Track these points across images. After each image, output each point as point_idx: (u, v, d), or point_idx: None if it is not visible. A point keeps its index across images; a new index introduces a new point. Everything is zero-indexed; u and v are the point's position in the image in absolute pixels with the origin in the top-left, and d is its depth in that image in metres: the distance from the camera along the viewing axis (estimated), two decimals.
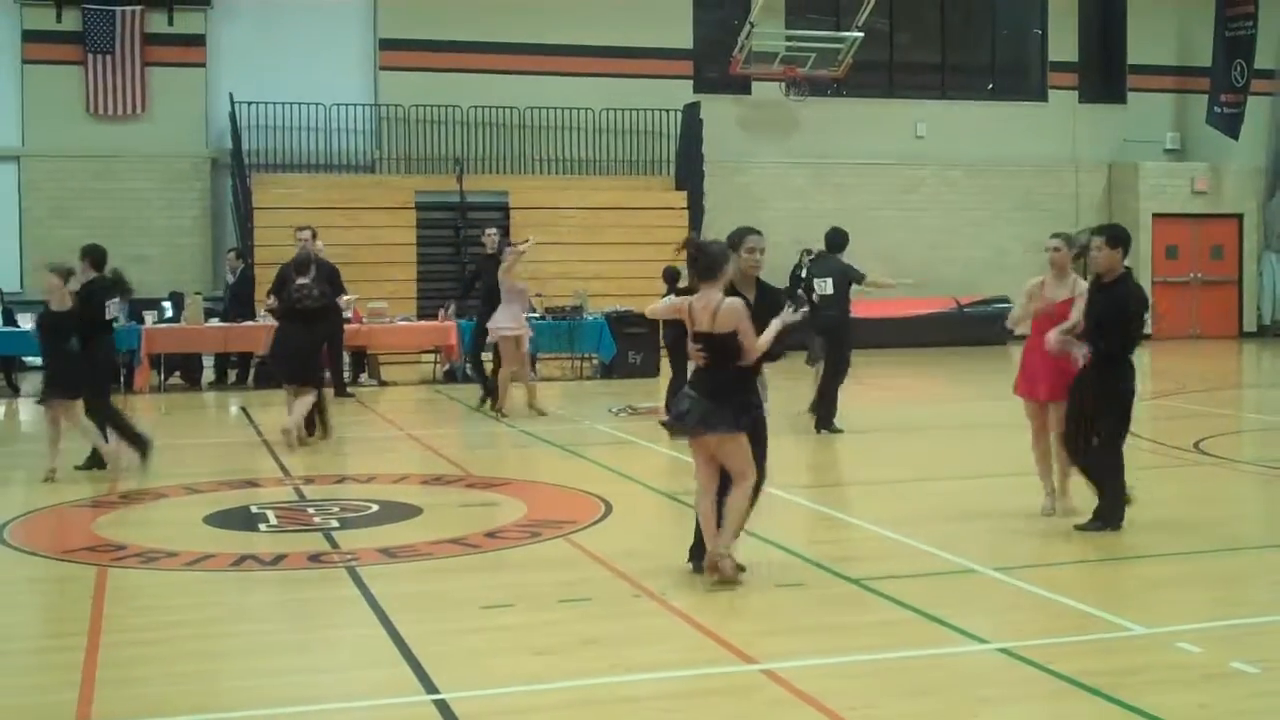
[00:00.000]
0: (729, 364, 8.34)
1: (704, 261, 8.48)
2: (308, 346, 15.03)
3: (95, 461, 13.02)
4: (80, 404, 12.73)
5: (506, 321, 16.79)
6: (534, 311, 20.17)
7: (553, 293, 22.67)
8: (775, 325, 8.39)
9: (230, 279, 22.39)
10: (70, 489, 12.24)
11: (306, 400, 14.80)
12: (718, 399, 8.30)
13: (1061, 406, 10.14)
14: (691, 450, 8.65)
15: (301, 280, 14.90)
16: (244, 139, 25.72)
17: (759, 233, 8.85)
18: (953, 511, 10.84)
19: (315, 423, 15.10)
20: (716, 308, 8.33)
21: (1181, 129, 32.27)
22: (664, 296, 16.77)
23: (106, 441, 12.95)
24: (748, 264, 8.65)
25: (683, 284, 16.60)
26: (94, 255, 13.58)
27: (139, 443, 13.20)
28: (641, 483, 12.57)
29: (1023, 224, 29.47)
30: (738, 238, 8.72)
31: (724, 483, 8.50)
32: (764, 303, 8.53)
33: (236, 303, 21.88)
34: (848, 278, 15.63)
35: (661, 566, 8.93)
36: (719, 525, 8.44)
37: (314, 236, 17.84)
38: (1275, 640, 7.36)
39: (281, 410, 15.61)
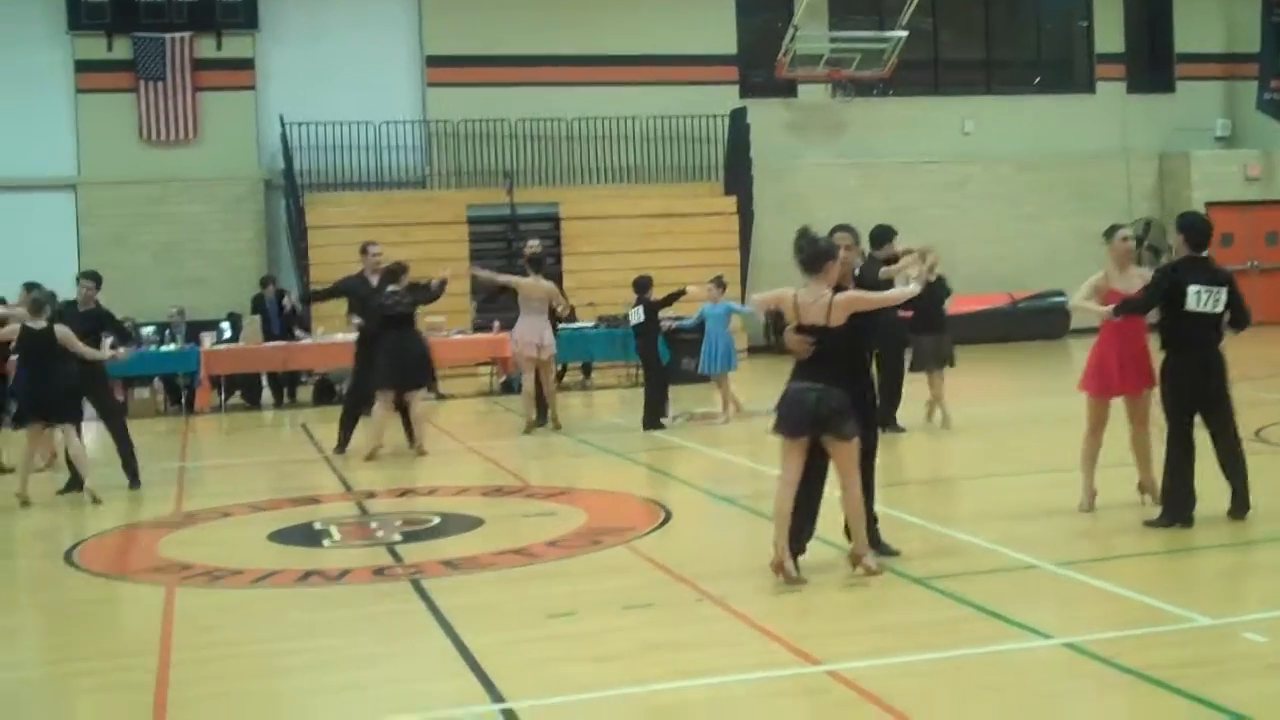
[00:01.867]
0: (842, 358, 8.43)
1: (807, 254, 8.50)
2: (418, 348, 15.41)
3: (76, 484, 13.18)
4: (73, 428, 12.92)
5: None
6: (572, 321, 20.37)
7: (605, 301, 22.72)
8: (897, 292, 8.69)
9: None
10: (134, 509, 12.40)
11: (420, 402, 15.41)
12: (839, 397, 8.35)
13: (1140, 399, 10.17)
14: (788, 442, 8.54)
15: (393, 288, 15.20)
16: (295, 159, 25.93)
17: (848, 228, 8.96)
18: (1013, 508, 10.81)
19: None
20: (829, 304, 8.38)
21: (1232, 116, 32.01)
22: (634, 307, 16.90)
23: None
24: (841, 271, 8.71)
25: (652, 295, 16.64)
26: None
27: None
28: (699, 488, 12.60)
29: (1075, 217, 29.28)
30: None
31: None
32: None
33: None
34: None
35: (723, 570, 8.95)
36: (843, 528, 8.72)
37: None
38: None
39: (353, 427, 15.73)
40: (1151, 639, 7.13)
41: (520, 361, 16.97)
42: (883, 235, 14.91)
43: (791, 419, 8.45)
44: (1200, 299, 9.60)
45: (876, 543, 8.94)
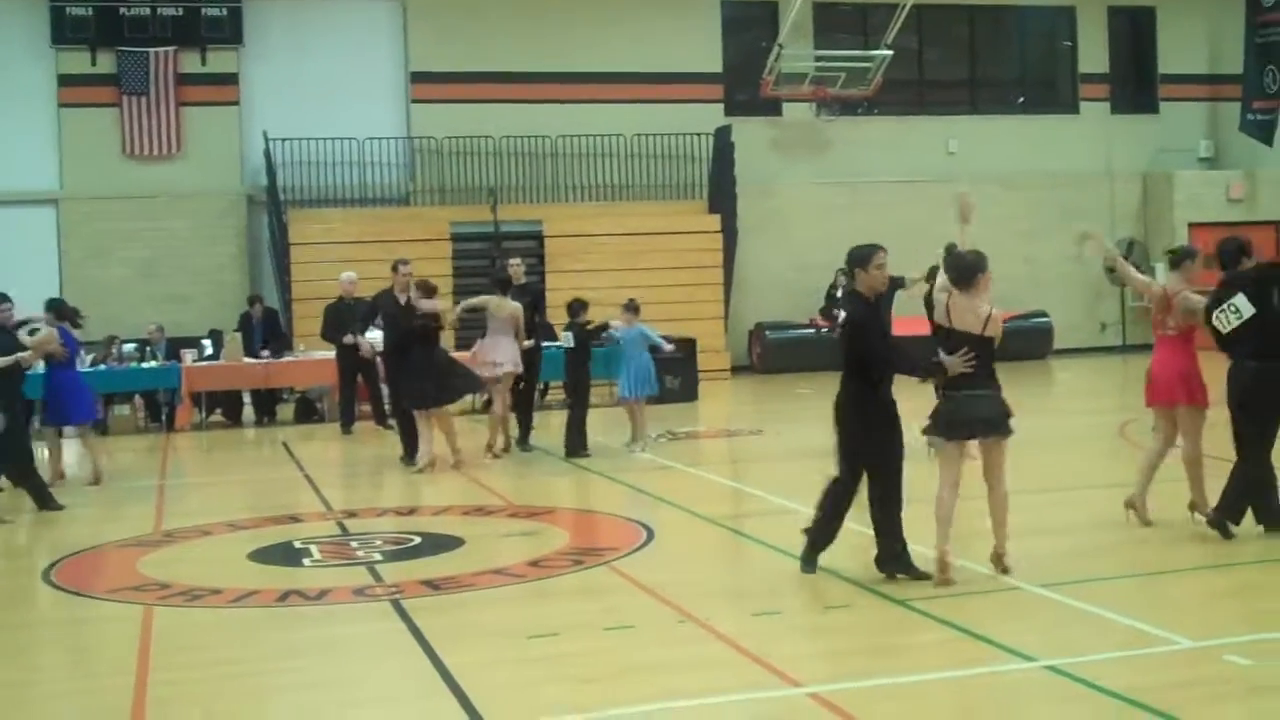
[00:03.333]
0: (986, 365, 8.93)
1: (959, 269, 9.13)
2: (447, 363, 15.62)
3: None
4: None
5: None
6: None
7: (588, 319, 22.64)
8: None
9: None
10: (113, 528, 12.33)
11: (450, 419, 15.62)
12: (1002, 400, 9.02)
13: (1195, 412, 10.29)
14: (950, 447, 9.16)
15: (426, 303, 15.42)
16: (279, 175, 25.85)
17: (883, 248, 9.25)
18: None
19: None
20: (989, 316, 8.93)
21: (1215, 137, 32.09)
22: (565, 329, 16.79)
23: None
24: (879, 280, 9.19)
25: (586, 319, 16.57)
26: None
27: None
28: (682, 508, 12.55)
29: (1059, 237, 29.26)
30: (866, 255, 9.18)
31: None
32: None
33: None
34: (893, 288, 15.35)
35: (705, 591, 8.93)
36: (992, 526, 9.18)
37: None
38: None
39: (322, 445, 15.69)
40: (1134, 661, 7.11)
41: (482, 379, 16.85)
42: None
43: (959, 423, 9.07)
44: (1222, 318, 9.94)
45: (908, 566, 9.06)
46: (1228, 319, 9.78)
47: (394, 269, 16.23)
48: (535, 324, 17.54)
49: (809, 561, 9.35)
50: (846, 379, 9.25)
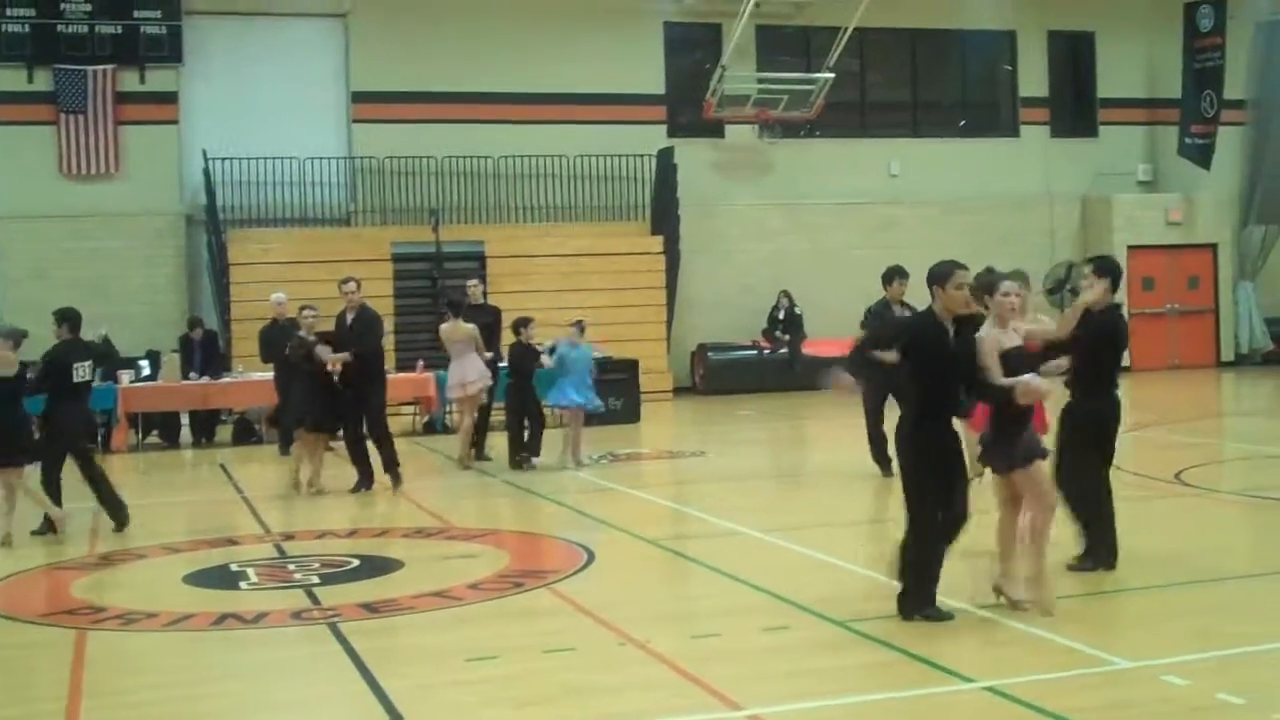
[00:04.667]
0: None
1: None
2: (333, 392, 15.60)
3: (49, 527, 12.89)
4: (21, 470, 12.63)
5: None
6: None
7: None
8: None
9: None
10: (44, 552, 12.16)
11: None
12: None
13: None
14: (1006, 479, 8.78)
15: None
16: (218, 195, 25.67)
17: (964, 266, 8.71)
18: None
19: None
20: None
21: (1154, 160, 32.43)
22: (512, 345, 16.89)
23: (59, 506, 12.86)
24: (958, 300, 8.57)
25: (526, 336, 16.61)
26: (71, 319, 13.53)
27: (117, 511, 13.10)
28: (623, 530, 12.51)
29: (999, 260, 29.19)
30: (945, 273, 8.60)
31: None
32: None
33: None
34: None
35: (646, 613, 8.89)
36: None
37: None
38: (1260, 670, 7.34)
39: (260, 467, 15.57)
40: (1073, 682, 7.12)
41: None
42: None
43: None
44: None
45: (931, 601, 8.47)
46: None
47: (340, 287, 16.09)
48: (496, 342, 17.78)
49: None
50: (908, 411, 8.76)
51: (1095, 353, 9.66)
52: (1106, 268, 9.85)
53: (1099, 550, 9.71)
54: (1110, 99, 32.18)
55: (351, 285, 15.79)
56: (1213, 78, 30.65)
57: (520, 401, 16.81)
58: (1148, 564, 9.83)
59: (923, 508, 8.45)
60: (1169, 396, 25.41)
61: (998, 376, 8.36)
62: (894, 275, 15.42)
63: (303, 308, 16.00)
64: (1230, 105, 30.66)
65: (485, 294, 19.70)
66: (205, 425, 21.65)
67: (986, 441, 8.78)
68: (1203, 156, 30.72)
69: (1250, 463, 16.64)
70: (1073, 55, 32.26)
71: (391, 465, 15.44)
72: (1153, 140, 32.40)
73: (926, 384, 8.50)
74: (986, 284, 8.89)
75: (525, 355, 16.71)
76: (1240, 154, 31.64)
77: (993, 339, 8.51)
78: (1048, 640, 7.90)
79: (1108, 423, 9.76)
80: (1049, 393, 8.50)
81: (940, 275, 8.54)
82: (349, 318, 15.64)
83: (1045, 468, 8.78)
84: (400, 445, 16.39)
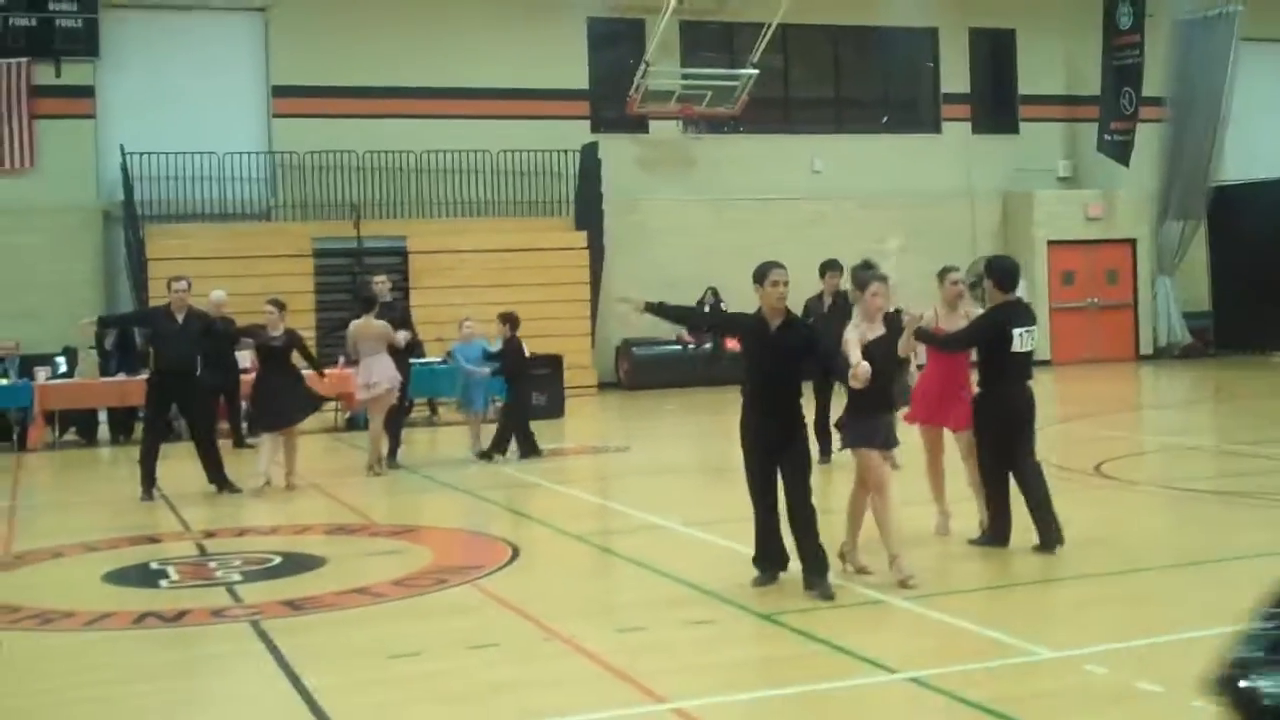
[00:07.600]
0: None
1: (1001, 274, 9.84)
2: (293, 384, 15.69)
3: None
4: None
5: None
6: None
7: (453, 336, 22.45)
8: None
9: None
10: None
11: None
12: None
13: (966, 434, 10.44)
14: (880, 457, 9.31)
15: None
16: (136, 190, 25.38)
17: (782, 265, 9.12)
18: (860, 542, 10.82)
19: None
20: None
21: (1073, 157, 32.78)
22: (506, 341, 16.90)
23: None
24: (775, 296, 8.99)
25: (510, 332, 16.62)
26: None
27: None
28: (548, 525, 12.48)
29: (921, 255, 29.40)
30: (762, 272, 9.06)
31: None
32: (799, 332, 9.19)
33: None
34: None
35: (570, 609, 8.86)
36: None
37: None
38: (1179, 659, 7.39)
39: (179, 464, 15.42)
40: (996, 672, 7.16)
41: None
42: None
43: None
44: (1022, 340, 10.07)
45: (763, 571, 9.27)
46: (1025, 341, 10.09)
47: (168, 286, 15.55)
48: (415, 342, 17.63)
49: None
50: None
51: (987, 348, 10.18)
52: (991, 267, 10.44)
53: (996, 526, 10.17)
54: (1031, 96, 32.51)
55: (183, 284, 15.35)
56: (1132, 75, 31.04)
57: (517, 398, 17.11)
58: (1070, 555, 9.92)
59: (750, 491, 9.22)
60: (1089, 390, 25.66)
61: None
62: (826, 269, 15.84)
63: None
64: (1149, 102, 31.05)
65: (406, 290, 19.47)
66: (123, 423, 21.34)
67: (839, 421, 9.46)
68: (1122, 153, 31.11)
69: (1169, 454, 16.84)
70: (994, 52, 32.55)
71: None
72: (1073, 137, 32.76)
73: (748, 374, 9.21)
74: (859, 280, 9.53)
75: (518, 354, 16.81)
76: (1159, 150, 32.01)
77: (857, 333, 9.14)
78: (970, 631, 7.95)
79: (1008, 413, 10.10)
80: (866, 379, 8.79)
81: (758, 274, 9.11)
82: (179, 316, 15.09)
83: (876, 456, 9.25)
84: (323, 442, 16.30)
